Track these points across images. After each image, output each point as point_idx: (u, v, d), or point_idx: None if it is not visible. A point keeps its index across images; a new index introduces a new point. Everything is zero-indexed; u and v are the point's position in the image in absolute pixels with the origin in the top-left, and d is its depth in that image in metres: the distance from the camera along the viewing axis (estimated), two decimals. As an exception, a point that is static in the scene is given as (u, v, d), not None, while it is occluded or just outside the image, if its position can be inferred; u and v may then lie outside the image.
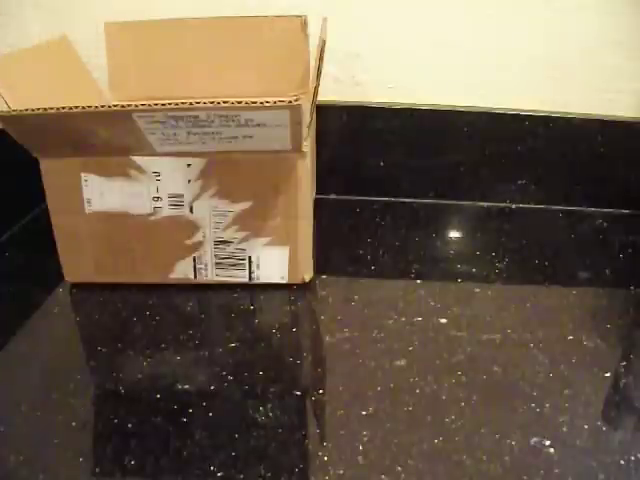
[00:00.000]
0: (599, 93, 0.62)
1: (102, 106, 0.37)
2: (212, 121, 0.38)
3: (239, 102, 0.37)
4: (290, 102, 0.37)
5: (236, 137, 0.40)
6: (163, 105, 0.37)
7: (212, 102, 0.37)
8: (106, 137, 0.41)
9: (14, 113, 0.39)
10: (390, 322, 0.45)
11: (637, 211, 0.64)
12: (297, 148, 0.42)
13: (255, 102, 0.37)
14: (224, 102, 0.37)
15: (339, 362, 0.41)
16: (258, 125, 0.39)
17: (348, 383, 0.39)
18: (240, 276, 0.48)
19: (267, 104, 0.37)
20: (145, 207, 0.46)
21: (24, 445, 0.34)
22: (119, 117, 0.38)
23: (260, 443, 0.34)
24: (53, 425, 0.35)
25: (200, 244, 0.47)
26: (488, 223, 0.62)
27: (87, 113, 0.37)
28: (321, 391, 0.38)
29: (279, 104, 0.37)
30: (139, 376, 0.40)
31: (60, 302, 0.48)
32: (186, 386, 0.39)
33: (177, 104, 0.37)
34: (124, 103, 0.37)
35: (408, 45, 0.62)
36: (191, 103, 0.37)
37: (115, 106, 0.37)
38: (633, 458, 0.33)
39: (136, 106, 0.37)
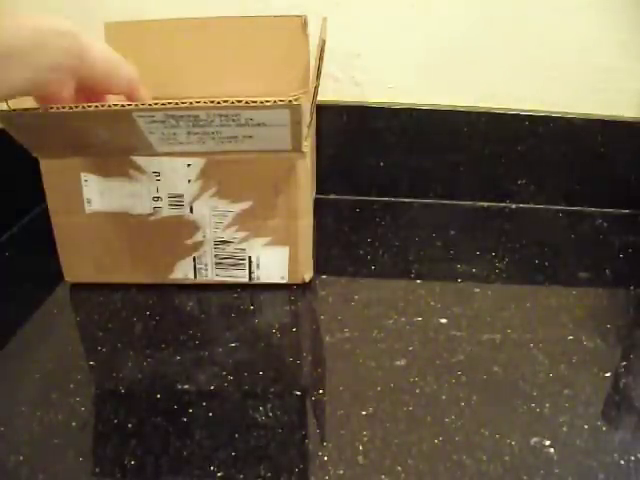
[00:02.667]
0: (599, 93, 0.62)
1: (102, 105, 0.37)
2: (212, 121, 0.38)
3: (239, 101, 0.37)
4: (290, 101, 0.37)
5: (236, 137, 0.40)
6: (163, 105, 0.37)
7: (212, 101, 0.37)
8: (106, 137, 0.41)
9: (14, 113, 0.39)
10: (390, 322, 0.45)
11: (637, 211, 0.64)
12: (297, 148, 0.42)
13: (255, 101, 0.37)
14: (224, 101, 0.37)
15: (339, 362, 0.41)
16: (258, 125, 0.39)
17: (348, 383, 0.39)
18: (240, 276, 0.48)
19: (267, 103, 0.37)
20: (145, 207, 0.46)
21: (24, 445, 0.34)
22: (119, 117, 0.38)
23: (260, 443, 0.34)
24: (53, 425, 0.35)
25: (200, 244, 0.47)
26: (488, 223, 0.62)
27: (87, 113, 0.37)
28: (321, 391, 0.38)
29: (279, 103, 0.37)
30: (139, 376, 0.40)
31: (60, 302, 0.48)
32: (186, 386, 0.39)
33: (177, 103, 0.37)
34: (124, 103, 0.37)
35: (408, 45, 0.62)
36: (191, 103, 0.37)
37: (115, 106, 0.37)
38: (633, 458, 0.33)
39: (136, 106, 0.37)
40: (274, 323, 0.45)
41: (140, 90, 0.41)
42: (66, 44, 0.34)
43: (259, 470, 0.32)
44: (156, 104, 0.37)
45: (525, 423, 0.35)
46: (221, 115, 0.38)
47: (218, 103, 0.37)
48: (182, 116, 0.38)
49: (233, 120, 0.38)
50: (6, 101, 0.41)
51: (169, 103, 0.37)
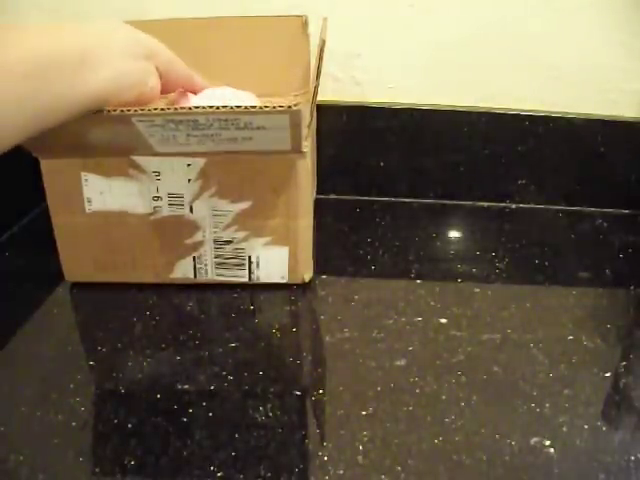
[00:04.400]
0: (599, 93, 0.62)
1: (101, 111, 0.36)
2: (211, 124, 0.38)
3: (238, 107, 0.37)
4: (289, 107, 0.37)
5: (235, 139, 0.40)
6: (162, 110, 0.37)
7: (211, 107, 0.37)
8: (106, 139, 0.41)
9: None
10: (390, 322, 0.45)
11: (637, 211, 0.64)
12: (297, 148, 0.42)
13: (254, 107, 0.37)
14: (223, 107, 0.37)
15: (339, 362, 0.41)
16: (257, 128, 0.39)
17: (348, 383, 0.39)
18: (240, 276, 0.48)
19: (266, 109, 0.37)
20: (145, 207, 0.46)
21: (24, 445, 0.34)
22: (118, 121, 0.38)
23: (260, 443, 0.34)
24: (53, 425, 0.35)
25: (200, 244, 0.47)
26: (488, 223, 0.62)
27: (87, 117, 0.37)
28: (321, 391, 0.38)
29: (278, 109, 0.37)
30: (139, 376, 0.40)
31: (60, 302, 0.48)
32: (186, 386, 0.39)
33: (176, 109, 0.37)
34: (123, 108, 0.37)
35: (408, 45, 0.62)
36: (190, 108, 0.37)
37: (114, 111, 0.37)
38: (633, 458, 0.33)
39: (135, 111, 0.37)
40: (274, 323, 0.45)
41: (195, 77, 0.41)
42: (129, 33, 0.35)
43: (259, 470, 0.32)
44: (155, 109, 0.37)
45: (525, 423, 0.35)
46: (220, 119, 0.38)
47: (217, 108, 0.37)
48: (182, 120, 0.38)
49: (232, 124, 0.38)
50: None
51: (168, 108, 0.37)
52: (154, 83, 0.37)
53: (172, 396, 0.38)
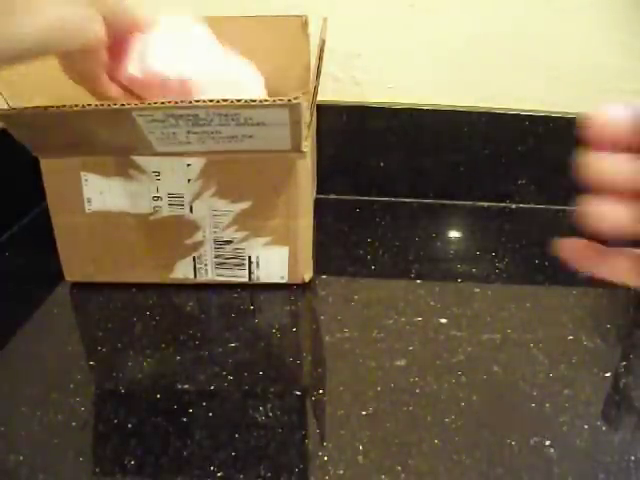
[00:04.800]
0: (599, 93, 0.61)
1: (102, 105, 0.37)
2: (211, 120, 0.38)
3: (238, 100, 0.37)
4: (289, 100, 0.37)
5: (235, 136, 0.40)
6: (162, 103, 0.37)
7: (211, 101, 0.37)
8: (106, 136, 0.41)
9: (14, 112, 0.39)
10: (390, 322, 0.45)
11: (637, 211, 0.64)
12: (297, 148, 0.42)
13: (254, 100, 0.37)
14: (223, 101, 0.37)
15: (339, 362, 0.41)
16: (257, 124, 0.39)
17: (348, 383, 0.39)
18: (240, 276, 0.48)
19: (266, 102, 0.37)
20: (145, 207, 0.46)
21: (24, 445, 0.34)
22: (119, 116, 0.38)
23: (260, 443, 0.34)
24: (53, 425, 0.35)
25: (200, 244, 0.47)
26: (488, 223, 0.62)
27: (87, 112, 0.37)
28: (321, 391, 0.38)
29: (278, 102, 0.37)
30: (139, 376, 0.40)
31: (60, 302, 0.48)
32: (186, 386, 0.39)
33: (176, 102, 0.37)
34: (124, 102, 0.37)
35: (408, 45, 0.62)
36: (190, 102, 0.37)
37: (115, 105, 0.37)
38: (633, 458, 0.33)
39: (135, 105, 0.37)
40: (274, 323, 0.45)
41: (140, 18, 0.38)
42: None
43: (259, 470, 0.32)
44: (155, 102, 0.37)
45: (525, 423, 0.35)
46: (220, 114, 0.38)
47: (217, 102, 0.37)
48: (181, 115, 0.38)
49: (232, 119, 0.38)
50: (6, 100, 0.41)
51: (168, 102, 0.37)
52: (98, 30, 0.35)
53: (172, 396, 0.38)
